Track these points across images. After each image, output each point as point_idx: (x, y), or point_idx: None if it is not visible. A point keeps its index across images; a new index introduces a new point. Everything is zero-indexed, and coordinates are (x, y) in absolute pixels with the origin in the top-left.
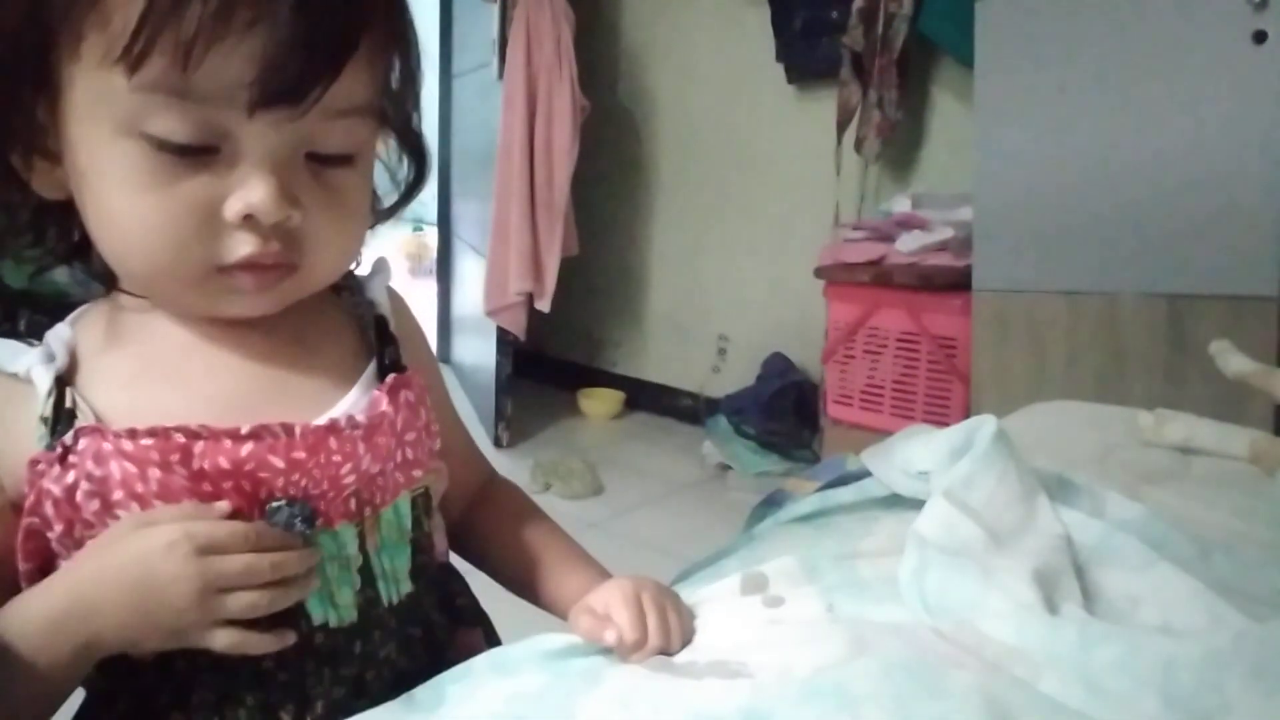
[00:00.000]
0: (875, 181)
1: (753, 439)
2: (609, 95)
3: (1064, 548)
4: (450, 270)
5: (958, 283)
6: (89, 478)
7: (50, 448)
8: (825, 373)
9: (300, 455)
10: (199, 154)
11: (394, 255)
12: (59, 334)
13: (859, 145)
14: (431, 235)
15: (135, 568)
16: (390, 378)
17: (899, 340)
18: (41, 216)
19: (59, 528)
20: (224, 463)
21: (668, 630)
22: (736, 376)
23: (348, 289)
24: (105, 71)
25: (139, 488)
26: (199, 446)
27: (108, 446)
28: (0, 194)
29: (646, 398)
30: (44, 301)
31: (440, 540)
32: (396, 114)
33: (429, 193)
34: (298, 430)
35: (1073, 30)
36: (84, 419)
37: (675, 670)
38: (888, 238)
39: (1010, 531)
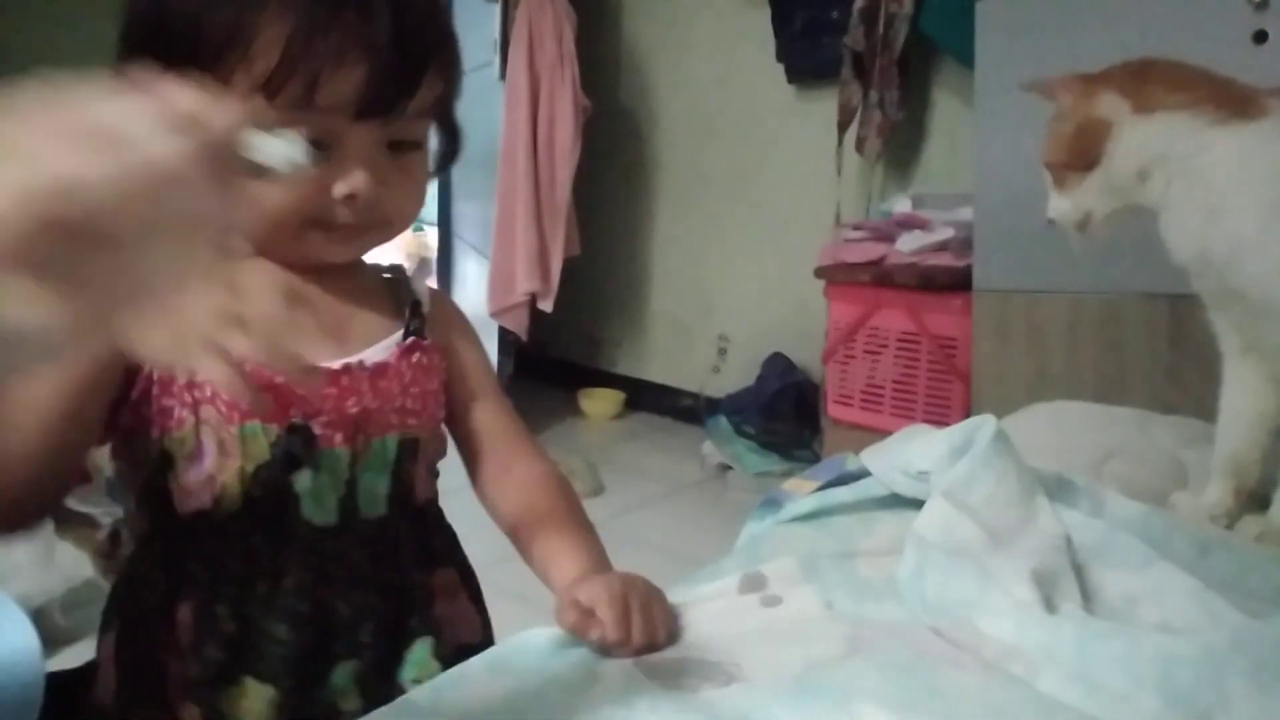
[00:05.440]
0: (876, 181)
1: (753, 439)
2: (610, 95)
3: (1063, 547)
4: (450, 270)
5: (958, 283)
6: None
7: None
8: (825, 373)
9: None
10: (315, 149)
11: (394, 255)
12: None
13: (860, 145)
14: (432, 235)
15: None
16: (408, 340)
17: (899, 340)
18: None
19: (136, 393)
20: (263, 378)
21: (653, 631)
22: (736, 376)
23: (397, 280)
24: (246, 96)
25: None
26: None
27: None
28: None
29: (647, 398)
30: None
31: (421, 486)
32: (444, 105)
33: (429, 193)
34: (321, 371)
35: (1073, 30)
36: None
37: (673, 668)
38: (888, 238)
39: (1009, 531)
